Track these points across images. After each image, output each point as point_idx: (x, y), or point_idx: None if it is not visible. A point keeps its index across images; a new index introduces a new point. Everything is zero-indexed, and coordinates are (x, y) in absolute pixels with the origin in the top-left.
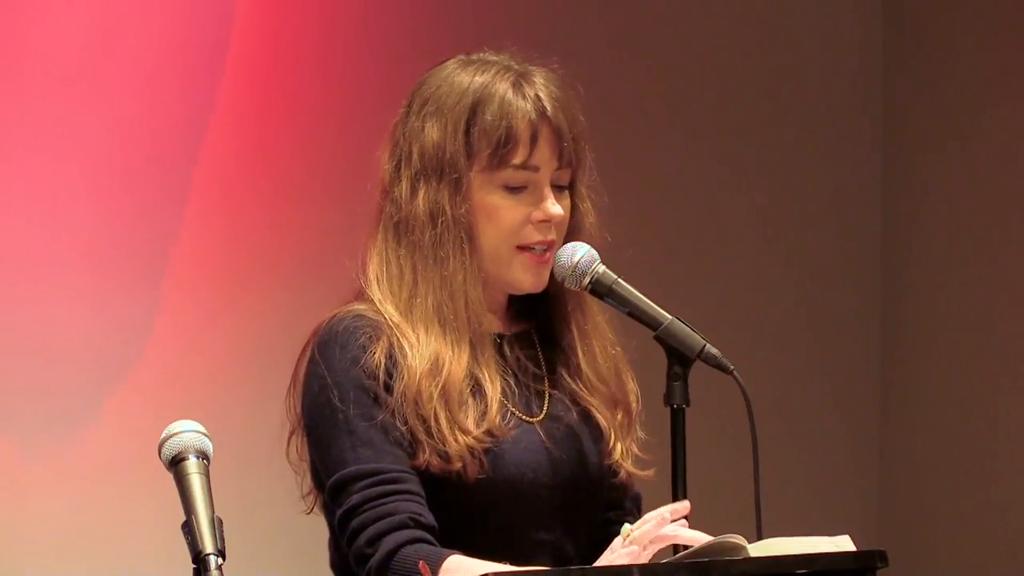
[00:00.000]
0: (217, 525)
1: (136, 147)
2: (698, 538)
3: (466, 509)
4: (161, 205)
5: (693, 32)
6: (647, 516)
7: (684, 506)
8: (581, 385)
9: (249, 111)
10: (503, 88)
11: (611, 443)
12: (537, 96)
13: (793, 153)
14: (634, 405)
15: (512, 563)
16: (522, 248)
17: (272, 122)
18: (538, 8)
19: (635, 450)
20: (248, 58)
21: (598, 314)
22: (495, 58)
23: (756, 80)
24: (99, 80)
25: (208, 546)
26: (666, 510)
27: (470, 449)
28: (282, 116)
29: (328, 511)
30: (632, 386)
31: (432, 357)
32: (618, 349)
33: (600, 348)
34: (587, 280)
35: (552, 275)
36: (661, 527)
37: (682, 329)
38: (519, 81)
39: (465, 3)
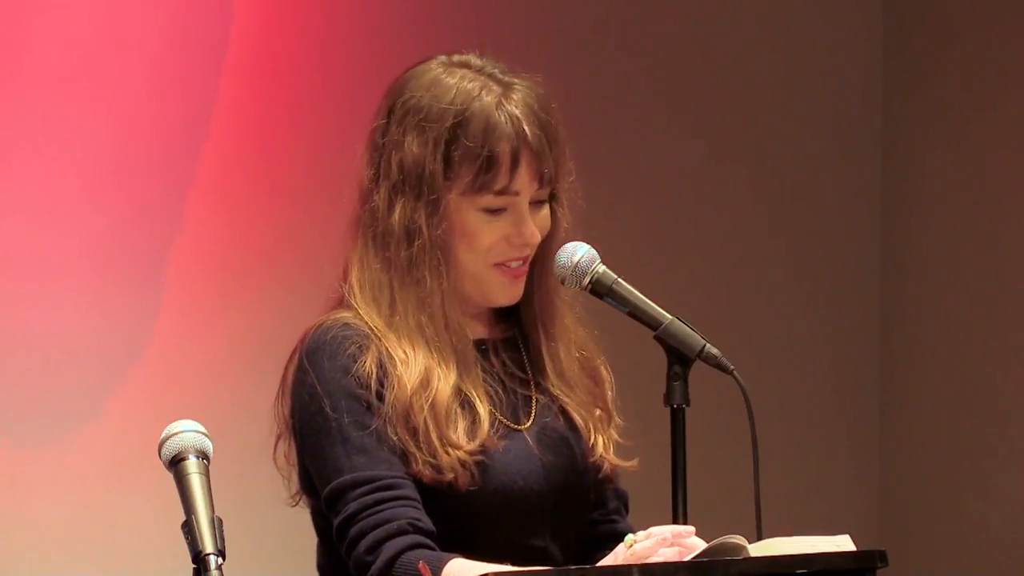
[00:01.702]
0: (217, 525)
1: (136, 147)
2: (699, 546)
3: (458, 518)
4: (161, 205)
5: (693, 32)
6: (652, 531)
7: (688, 531)
8: (555, 387)
9: (249, 110)
10: (486, 107)
11: (592, 439)
12: (519, 118)
13: (793, 152)
14: (609, 394)
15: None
16: (498, 264)
17: (272, 122)
18: (539, 8)
19: (615, 437)
20: (248, 58)
21: (566, 316)
22: (479, 63)
23: (756, 79)
24: (99, 80)
25: (208, 546)
26: (669, 531)
27: (461, 462)
28: (282, 116)
29: (320, 517)
30: (605, 375)
31: (422, 372)
32: (584, 352)
33: (565, 352)
34: (587, 280)
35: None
36: (661, 547)
37: (682, 329)
38: (502, 100)
39: (466, 2)
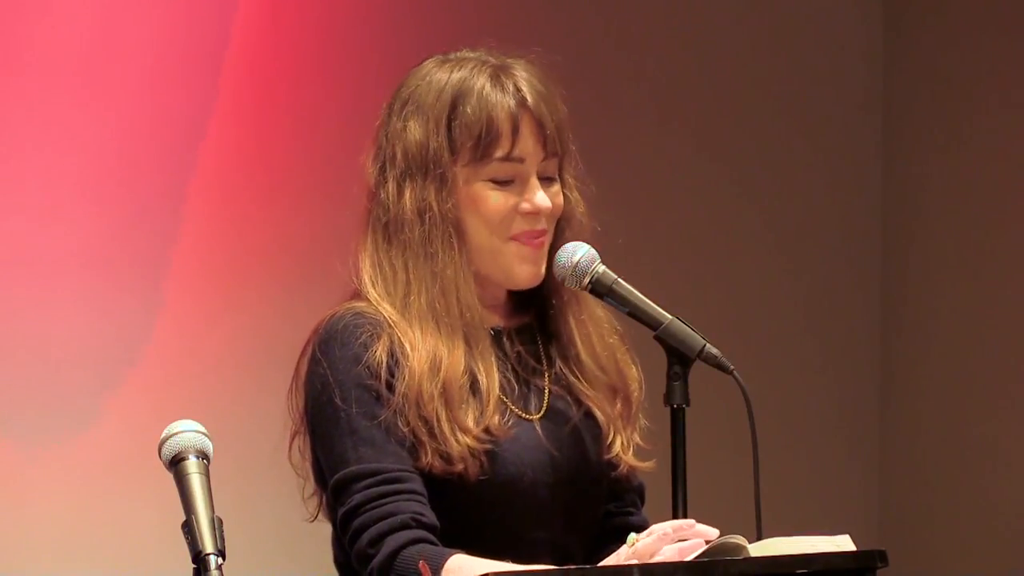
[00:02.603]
0: (217, 525)
1: (136, 147)
2: (707, 533)
3: (467, 509)
4: (161, 205)
5: (693, 32)
6: (653, 528)
7: (689, 523)
8: (581, 377)
9: (249, 110)
10: (482, 81)
11: (610, 437)
12: (516, 87)
13: (793, 153)
14: (635, 393)
15: (514, 562)
16: (514, 238)
17: (272, 122)
18: (539, 8)
19: (636, 439)
20: (248, 58)
21: (594, 303)
22: (472, 54)
23: (757, 79)
24: (99, 80)
25: (208, 546)
26: (669, 527)
27: (471, 450)
28: (282, 116)
29: (331, 510)
30: (633, 373)
31: (430, 356)
32: (615, 338)
33: (598, 337)
34: (587, 280)
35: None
36: (664, 543)
37: (682, 329)
38: (497, 74)
39: (466, 2)
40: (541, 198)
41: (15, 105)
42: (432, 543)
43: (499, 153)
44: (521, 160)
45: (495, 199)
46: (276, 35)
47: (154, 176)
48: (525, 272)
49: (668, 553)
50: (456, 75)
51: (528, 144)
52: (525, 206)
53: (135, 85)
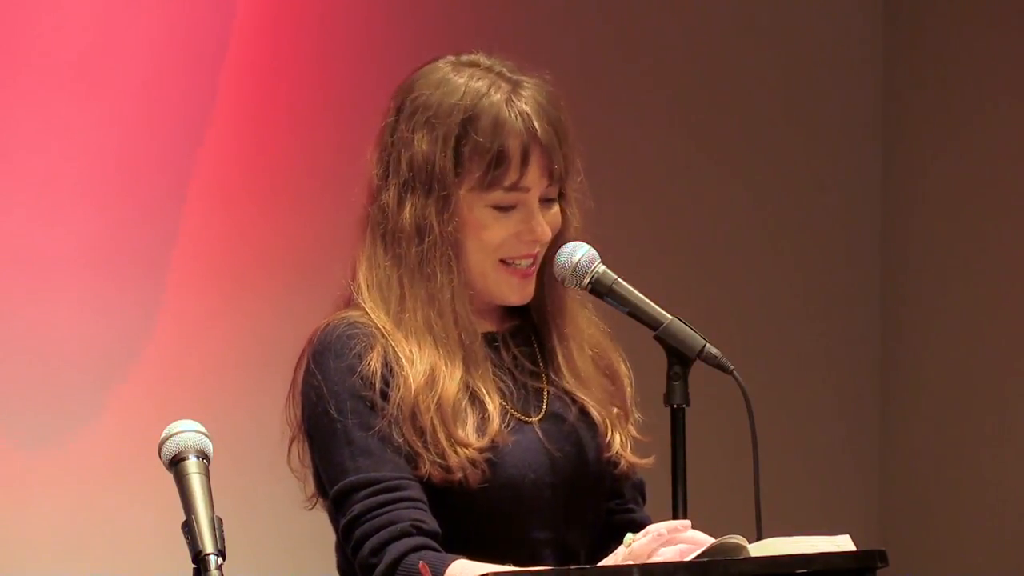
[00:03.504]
0: (217, 525)
1: (136, 147)
2: (699, 539)
3: (469, 514)
4: (161, 205)
5: (693, 31)
6: (649, 528)
7: (684, 524)
8: (570, 385)
9: (249, 111)
10: (496, 104)
11: (608, 435)
12: (528, 115)
13: (793, 152)
14: (628, 391)
15: (517, 563)
16: (505, 262)
17: (272, 122)
18: (539, 9)
19: (634, 433)
20: (248, 58)
21: (578, 314)
22: (487, 62)
23: (756, 78)
24: (99, 80)
25: (208, 546)
26: (664, 527)
27: (470, 460)
28: (282, 116)
29: (333, 520)
30: (623, 369)
31: (428, 370)
32: (596, 349)
33: (578, 350)
34: (587, 280)
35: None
36: (658, 543)
37: (682, 329)
38: (511, 98)
39: (465, 3)
40: (542, 229)
41: (15, 105)
42: (434, 549)
43: (506, 183)
44: (527, 190)
45: (496, 227)
46: (275, 35)
47: (154, 177)
48: (515, 296)
49: (668, 554)
50: (471, 88)
51: (535, 174)
52: (526, 235)
53: (135, 85)
